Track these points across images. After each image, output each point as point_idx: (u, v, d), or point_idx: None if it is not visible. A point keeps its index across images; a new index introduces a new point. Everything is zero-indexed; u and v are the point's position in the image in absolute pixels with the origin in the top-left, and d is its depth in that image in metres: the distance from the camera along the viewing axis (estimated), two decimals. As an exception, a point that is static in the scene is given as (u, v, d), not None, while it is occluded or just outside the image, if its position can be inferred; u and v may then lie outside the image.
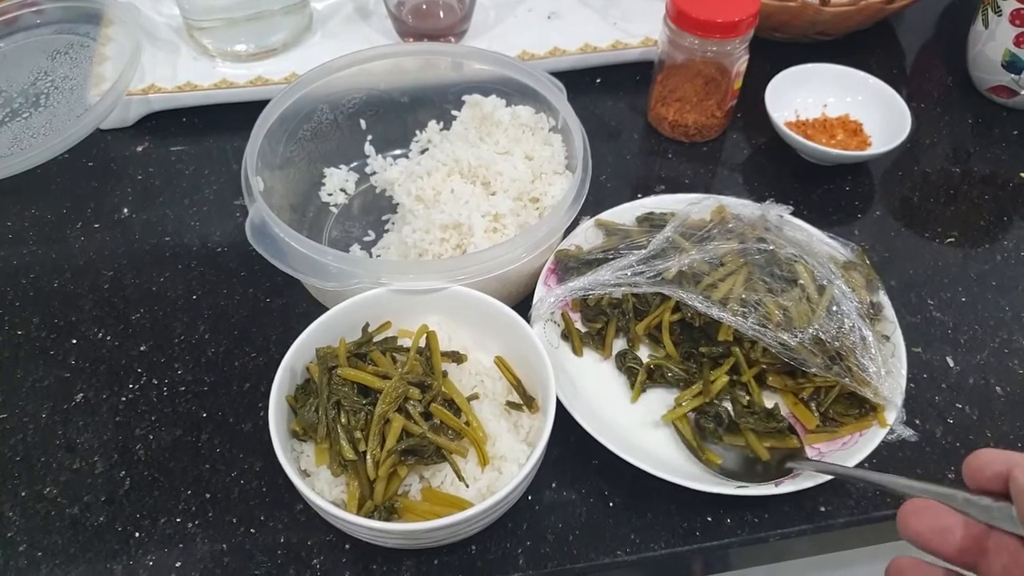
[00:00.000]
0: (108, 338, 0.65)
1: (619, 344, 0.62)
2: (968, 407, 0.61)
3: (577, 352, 0.62)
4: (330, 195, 0.73)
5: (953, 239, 0.73)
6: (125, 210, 0.74)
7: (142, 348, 0.64)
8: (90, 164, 0.78)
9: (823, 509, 0.56)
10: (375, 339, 0.56)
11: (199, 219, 0.73)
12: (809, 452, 0.56)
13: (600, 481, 0.57)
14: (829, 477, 0.52)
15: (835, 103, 0.81)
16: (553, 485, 0.57)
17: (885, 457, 0.57)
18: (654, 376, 0.60)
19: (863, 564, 0.67)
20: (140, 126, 0.80)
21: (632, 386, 0.60)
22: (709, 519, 0.55)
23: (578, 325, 0.63)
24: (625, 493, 0.56)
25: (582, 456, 0.57)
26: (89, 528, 0.55)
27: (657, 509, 0.56)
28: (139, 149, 0.79)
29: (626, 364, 0.61)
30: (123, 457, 0.58)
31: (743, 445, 0.56)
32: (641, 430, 0.58)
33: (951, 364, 0.64)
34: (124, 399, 0.61)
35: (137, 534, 0.54)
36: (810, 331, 0.55)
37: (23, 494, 0.56)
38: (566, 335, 0.63)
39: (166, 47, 0.83)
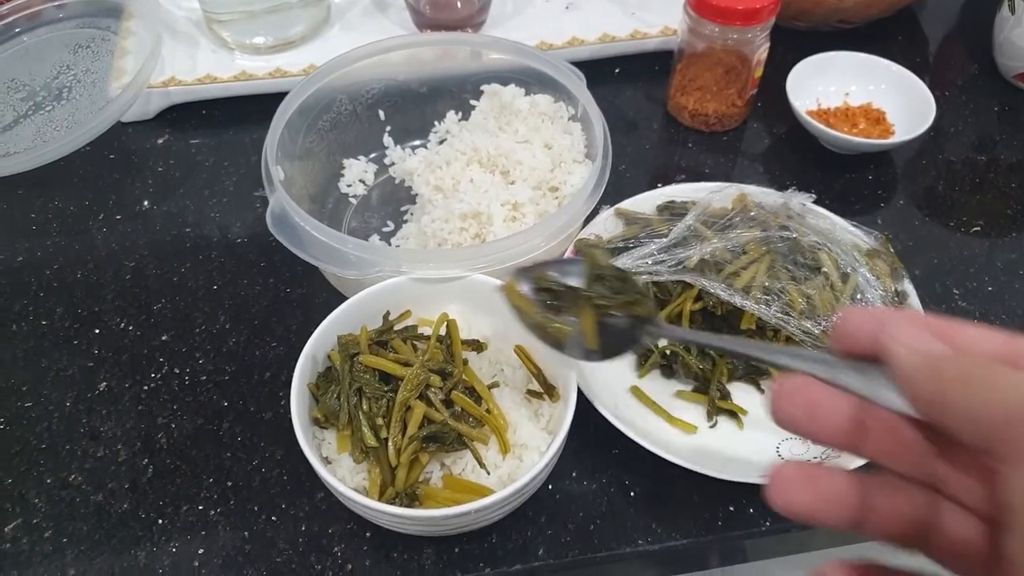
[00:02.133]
0: (130, 328, 0.65)
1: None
2: (995, 397, 0.60)
3: (597, 341, 0.62)
4: (349, 186, 0.73)
5: (979, 228, 0.72)
6: (146, 202, 0.74)
7: (164, 338, 0.64)
8: (111, 156, 0.78)
9: (847, 499, 0.55)
10: (395, 327, 0.56)
11: (219, 210, 0.73)
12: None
13: (621, 470, 0.57)
14: (862, 462, 0.50)
15: (857, 91, 0.80)
16: (573, 474, 0.57)
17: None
18: (668, 361, 0.60)
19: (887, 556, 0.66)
20: (160, 119, 0.81)
21: (641, 364, 0.60)
22: (731, 509, 0.55)
23: (598, 314, 0.63)
24: (646, 482, 0.56)
25: (602, 445, 0.57)
26: (113, 515, 0.55)
27: (679, 499, 0.55)
28: (160, 141, 0.79)
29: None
30: (146, 445, 0.58)
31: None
32: (661, 420, 0.58)
33: (977, 353, 0.63)
34: (146, 388, 0.61)
35: (160, 521, 0.55)
36: (834, 319, 0.55)
37: (48, 481, 0.57)
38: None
39: (185, 40, 0.83)
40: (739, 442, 0.57)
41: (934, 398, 0.25)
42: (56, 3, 0.83)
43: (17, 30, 0.83)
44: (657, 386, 0.60)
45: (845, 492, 0.28)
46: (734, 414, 0.58)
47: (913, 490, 0.28)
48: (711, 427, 0.58)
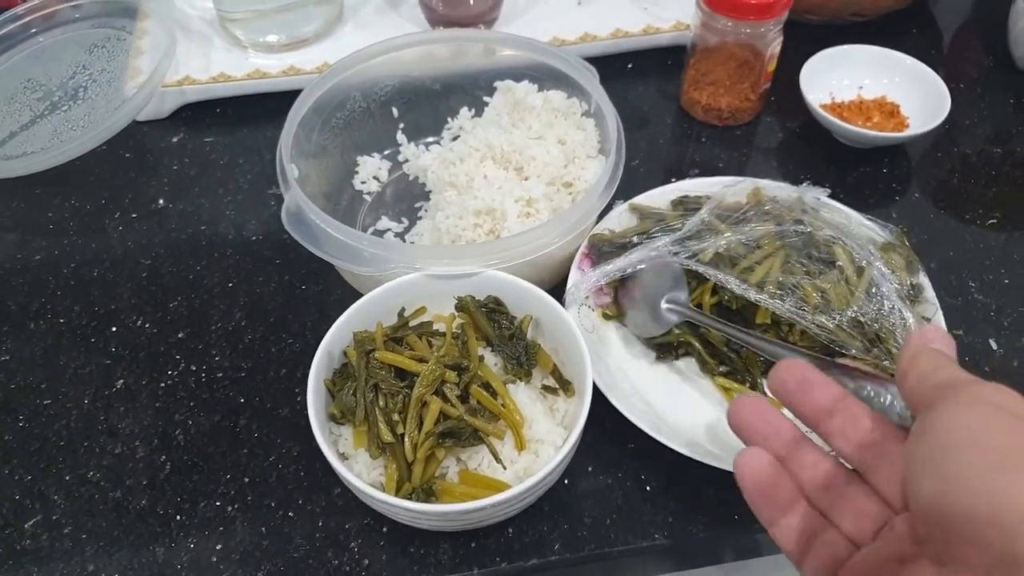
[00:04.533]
0: (147, 326, 0.66)
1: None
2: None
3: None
4: (363, 183, 0.73)
5: (995, 220, 0.71)
6: (161, 200, 0.75)
7: (180, 335, 0.65)
8: (127, 155, 0.79)
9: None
10: (411, 323, 0.57)
11: (234, 208, 0.74)
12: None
13: (636, 465, 0.57)
14: None
15: (871, 85, 0.79)
16: (589, 469, 0.57)
17: (927, 441, 0.56)
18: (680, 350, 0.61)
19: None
20: (175, 117, 0.81)
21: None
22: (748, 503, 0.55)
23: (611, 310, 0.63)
24: (662, 477, 0.56)
25: (617, 440, 0.57)
26: (131, 511, 0.55)
27: (694, 493, 0.55)
28: (174, 140, 0.80)
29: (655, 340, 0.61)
30: (163, 442, 0.59)
31: None
32: (677, 413, 0.58)
33: (994, 347, 0.63)
34: (163, 385, 0.62)
35: (178, 517, 0.55)
36: (849, 313, 0.55)
37: (67, 478, 0.57)
38: (608, 315, 0.62)
39: (199, 39, 0.84)
40: (755, 437, 0.57)
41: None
42: (72, 3, 0.84)
43: (33, 30, 0.83)
44: (676, 381, 0.60)
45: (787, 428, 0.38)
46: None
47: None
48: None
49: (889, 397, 0.37)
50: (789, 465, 0.37)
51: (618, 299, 0.62)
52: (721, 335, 0.57)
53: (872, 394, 0.38)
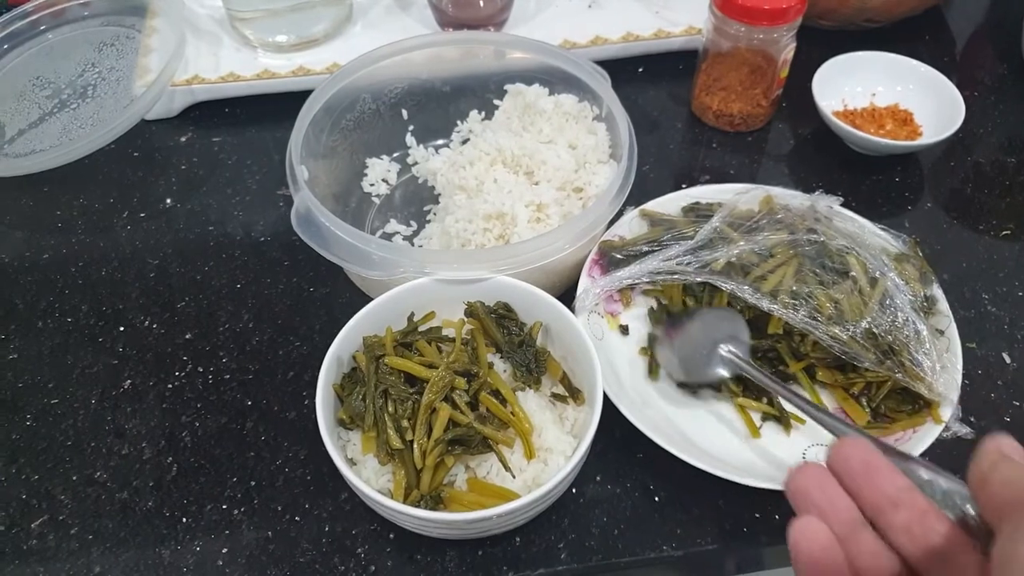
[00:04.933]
0: (154, 326, 0.65)
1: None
2: (1025, 404, 0.60)
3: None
4: (372, 185, 0.73)
5: (1009, 232, 0.71)
6: (169, 200, 0.75)
7: (187, 336, 0.65)
8: (135, 154, 0.78)
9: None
10: (420, 328, 0.56)
11: (242, 209, 0.74)
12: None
13: (645, 475, 0.56)
14: None
15: (884, 92, 0.79)
16: (598, 478, 0.56)
17: (939, 455, 0.56)
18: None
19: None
20: (184, 116, 0.81)
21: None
22: (757, 515, 0.54)
23: (622, 318, 0.62)
24: (671, 487, 0.56)
25: (627, 449, 0.57)
26: (138, 513, 0.55)
27: (704, 504, 0.55)
28: (183, 139, 0.80)
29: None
30: (170, 443, 0.59)
31: None
32: (688, 424, 0.57)
33: (1008, 360, 0.62)
34: (170, 386, 0.62)
35: (184, 519, 0.55)
36: (862, 324, 0.54)
37: (74, 478, 0.57)
38: (624, 329, 0.62)
39: (209, 38, 0.83)
40: (766, 448, 0.56)
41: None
42: (81, 1, 0.84)
43: (42, 27, 0.83)
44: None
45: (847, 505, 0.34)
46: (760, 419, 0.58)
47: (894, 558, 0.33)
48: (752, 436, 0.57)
49: (945, 484, 0.35)
50: (845, 547, 0.34)
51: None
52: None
53: (924, 479, 0.35)
